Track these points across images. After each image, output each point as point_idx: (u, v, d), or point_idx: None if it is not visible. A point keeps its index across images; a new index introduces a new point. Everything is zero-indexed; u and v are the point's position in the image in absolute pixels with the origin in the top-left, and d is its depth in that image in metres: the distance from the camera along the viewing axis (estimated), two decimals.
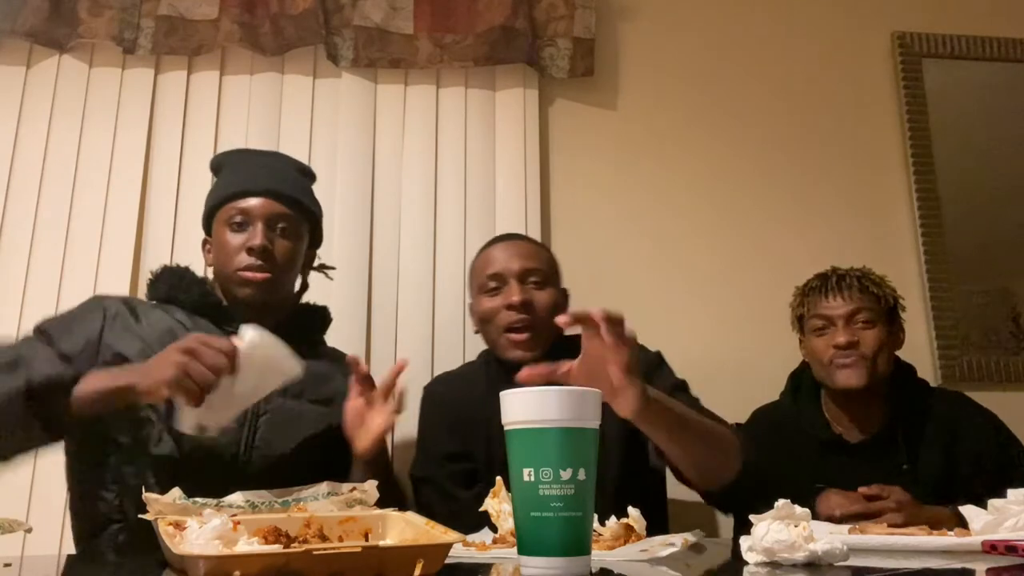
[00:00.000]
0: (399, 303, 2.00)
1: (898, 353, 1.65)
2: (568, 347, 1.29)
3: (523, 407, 0.76)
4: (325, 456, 1.33)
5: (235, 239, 1.38)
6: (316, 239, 1.54)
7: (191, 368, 1.05)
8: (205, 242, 1.49)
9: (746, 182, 2.23)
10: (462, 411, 1.47)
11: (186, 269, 1.46)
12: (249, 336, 1.10)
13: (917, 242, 2.22)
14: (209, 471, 1.24)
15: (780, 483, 1.10)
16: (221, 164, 1.51)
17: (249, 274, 1.36)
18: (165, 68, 2.09)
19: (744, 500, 1.22)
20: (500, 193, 2.09)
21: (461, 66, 2.12)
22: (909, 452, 1.55)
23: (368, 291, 2.00)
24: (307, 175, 1.56)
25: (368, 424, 1.29)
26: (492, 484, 1.10)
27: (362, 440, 1.29)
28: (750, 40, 2.33)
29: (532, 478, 0.74)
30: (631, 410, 1.07)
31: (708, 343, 2.08)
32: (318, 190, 2.20)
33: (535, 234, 2.05)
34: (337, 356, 1.52)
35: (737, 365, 2.02)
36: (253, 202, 1.39)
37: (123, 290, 1.89)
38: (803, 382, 1.69)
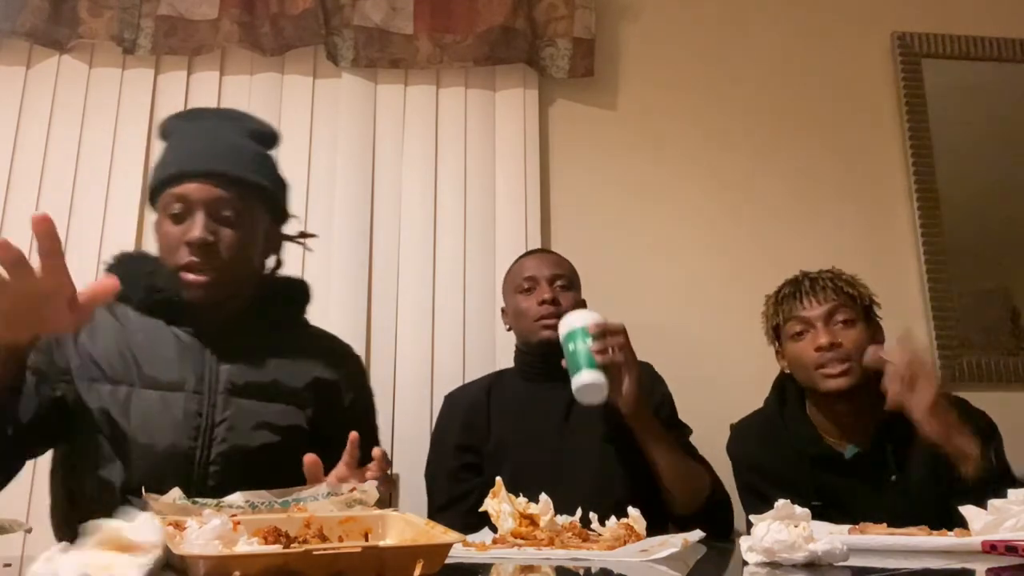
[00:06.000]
0: (399, 303, 2.00)
1: None
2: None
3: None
4: (294, 458, 1.12)
5: (175, 231, 1.21)
6: (281, 214, 1.35)
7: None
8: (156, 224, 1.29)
9: (746, 182, 2.23)
10: (476, 408, 1.64)
11: (140, 263, 1.28)
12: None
13: (917, 242, 2.21)
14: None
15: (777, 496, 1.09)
16: (168, 131, 1.31)
17: (190, 276, 1.20)
18: (165, 68, 2.09)
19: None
20: (500, 193, 2.09)
21: (461, 66, 2.12)
22: (899, 462, 1.51)
23: (368, 290, 2.00)
24: (263, 140, 1.34)
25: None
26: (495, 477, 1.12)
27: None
28: (750, 41, 2.33)
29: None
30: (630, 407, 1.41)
31: (708, 342, 2.09)
32: (319, 189, 2.17)
33: (535, 234, 2.08)
34: (322, 337, 1.39)
35: (737, 364, 2.02)
36: (191, 187, 1.20)
37: None
38: (788, 391, 1.64)
